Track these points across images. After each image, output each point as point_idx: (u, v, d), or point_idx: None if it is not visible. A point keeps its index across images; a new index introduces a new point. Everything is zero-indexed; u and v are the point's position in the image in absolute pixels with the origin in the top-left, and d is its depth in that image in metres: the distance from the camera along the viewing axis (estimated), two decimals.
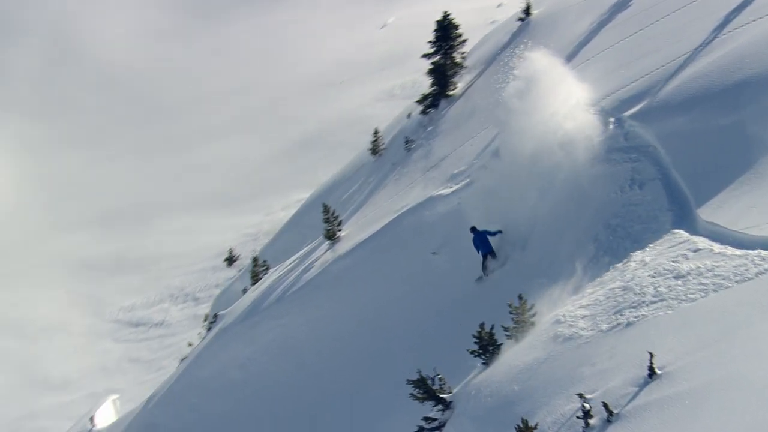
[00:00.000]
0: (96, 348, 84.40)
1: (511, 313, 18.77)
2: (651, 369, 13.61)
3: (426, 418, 18.86)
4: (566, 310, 17.63)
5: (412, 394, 18.78)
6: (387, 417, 21.60)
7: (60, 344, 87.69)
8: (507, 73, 27.29)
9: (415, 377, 19.00)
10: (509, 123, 24.10)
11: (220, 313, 31.75)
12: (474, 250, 23.54)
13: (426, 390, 18.87)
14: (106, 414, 37.50)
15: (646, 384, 13.44)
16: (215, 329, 29.74)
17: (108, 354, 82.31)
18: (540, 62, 24.81)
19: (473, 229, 23.66)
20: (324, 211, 27.00)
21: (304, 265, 27.24)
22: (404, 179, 28.14)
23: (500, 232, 23.64)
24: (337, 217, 27.19)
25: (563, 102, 23.50)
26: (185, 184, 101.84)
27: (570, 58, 26.99)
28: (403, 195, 26.51)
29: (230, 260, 51.00)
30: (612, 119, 22.71)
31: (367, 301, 24.81)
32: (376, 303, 24.59)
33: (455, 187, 24.81)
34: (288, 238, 42.25)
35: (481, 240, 23.49)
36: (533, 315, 18.82)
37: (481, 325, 18.96)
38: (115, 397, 40.67)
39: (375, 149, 35.55)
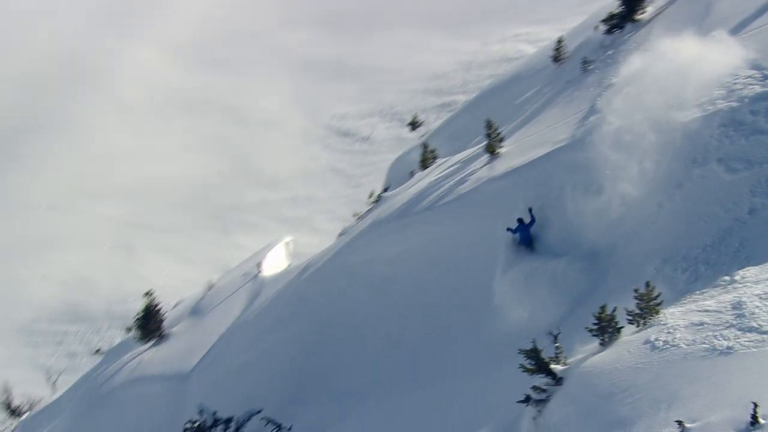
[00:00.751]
0: (305, 151, 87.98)
1: (636, 298, 18.21)
2: (754, 417, 13.05)
3: (535, 387, 18.76)
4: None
5: (521, 365, 18.65)
6: (506, 357, 21.60)
7: (275, 141, 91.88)
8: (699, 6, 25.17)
9: (530, 345, 18.82)
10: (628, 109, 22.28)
11: (384, 195, 32.33)
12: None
13: (538, 362, 18.70)
14: (277, 257, 39.23)
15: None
16: (372, 215, 30.43)
17: (315, 160, 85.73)
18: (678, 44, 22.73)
19: (520, 221, 23.98)
20: (487, 126, 26.44)
21: (460, 176, 26.99)
22: (573, 105, 26.77)
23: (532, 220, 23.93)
24: (499, 134, 26.57)
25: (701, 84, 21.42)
26: None
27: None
28: (568, 124, 25.40)
29: (413, 125, 50.81)
30: None
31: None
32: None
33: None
34: (465, 120, 41.62)
35: (524, 233, 23.96)
36: (659, 303, 18.19)
37: (603, 307, 18.49)
38: (289, 239, 42.38)
39: (557, 57, 33.93)
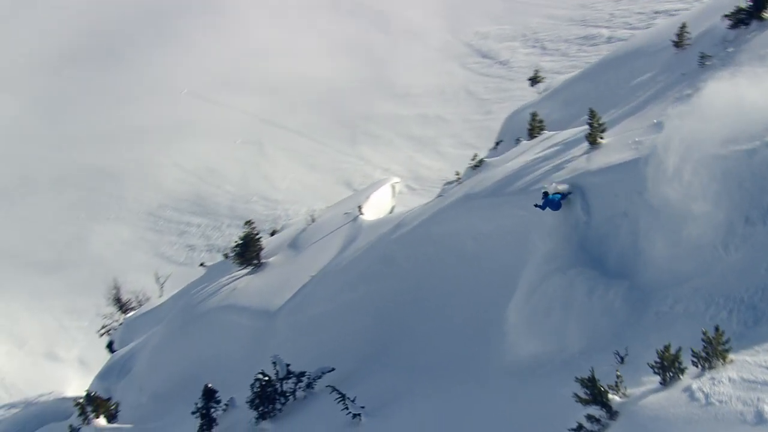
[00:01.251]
0: (442, 67, 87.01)
1: (703, 341, 17.35)
2: None
3: (589, 416, 18.23)
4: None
5: (576, 394, 18.07)
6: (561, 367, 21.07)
7: (414, 51, 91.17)
8: None
9: (588, 374, 18.22)
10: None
11: (486, 160, 31.58)
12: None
13: (593, 393, 18.09)
14: (381, 200, 39.00)
15: None
16: (467, 184, 29.79)
17: (450, 77, 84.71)
18: None
19: (545, 194, 23.42)
20: (590, 116, 25.24)
21: (558, 161, 25.85)
22: (680, 106, 25.23)
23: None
24: (601, 124, 25.33)
25: None
26: None
27: None
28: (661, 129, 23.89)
29: (534, 80, 48.99)
30: None
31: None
32: None
33: None
34: (583, 87, 39.69)
35: (554, 203, 23.34)
36: (727, 350, 17.29)
37: (667, 346, 17.68)
38: (396, 180, 41.98)
39: (679, 42, 31.82)
